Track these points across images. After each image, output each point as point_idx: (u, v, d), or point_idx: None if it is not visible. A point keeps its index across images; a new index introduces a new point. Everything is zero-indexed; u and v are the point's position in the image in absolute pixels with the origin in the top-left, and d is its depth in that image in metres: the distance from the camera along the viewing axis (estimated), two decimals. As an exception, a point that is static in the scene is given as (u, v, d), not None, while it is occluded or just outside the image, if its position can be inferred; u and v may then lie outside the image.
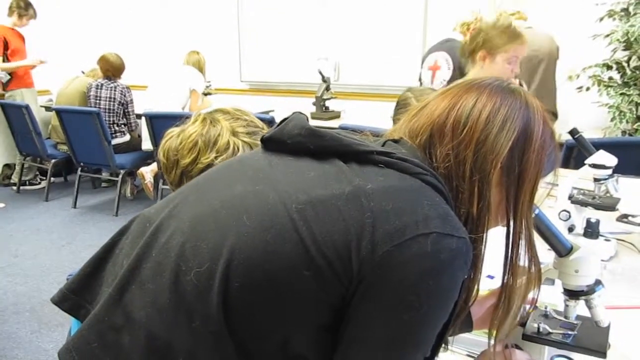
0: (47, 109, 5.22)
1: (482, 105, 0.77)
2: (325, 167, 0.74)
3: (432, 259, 0.66)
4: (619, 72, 3.45)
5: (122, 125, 4.62)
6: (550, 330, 0.98)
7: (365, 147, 0.75)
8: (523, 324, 0.99)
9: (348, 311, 0.68)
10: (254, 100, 5.03)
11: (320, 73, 4.44)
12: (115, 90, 4.53)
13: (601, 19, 3.44)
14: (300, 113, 0.82)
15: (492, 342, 0.86)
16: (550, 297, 1.10)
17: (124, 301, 0.73)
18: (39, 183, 5.20)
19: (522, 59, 3.18)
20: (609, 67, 3.43)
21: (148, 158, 4.44)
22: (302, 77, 4.91)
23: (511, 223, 0.80)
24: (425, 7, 4.39)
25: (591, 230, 1.34)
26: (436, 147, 0.77)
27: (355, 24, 4.68)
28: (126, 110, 4.61)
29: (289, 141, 0.78)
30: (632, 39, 3.22)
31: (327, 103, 4.50)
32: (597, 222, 1.36)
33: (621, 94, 3.30)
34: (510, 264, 0.81)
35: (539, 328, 0.98)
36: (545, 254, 0.95)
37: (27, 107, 4.56)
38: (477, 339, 1.07)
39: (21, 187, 5.10)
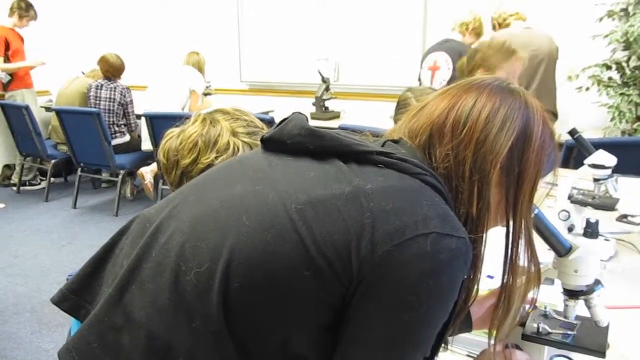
0: (47, 109, 5.22)
1: (482, 105, 0.77)
2: (325, 167, 0.74)
3: (431, 259, 0.66)
4: (618, 72, 3.45)
5: (122, 126, 4.63)
6: (550, 330, 0.98)
7: (364, 148, 0.75)
8: (522, 324, 0.99)
9: (348, 311, 0.68)
10: (254, 101, 5.04)
11: (320, 73, 4.44)
12: (115, 91, 4.53)
13: (600, 19, 3.44)
14: (300, 113, 0.82)
15: (492, 342, 0.86)
16: (550, 297, 1.10)
17: (124, 301, 0.73)
18: (39, 183, 5.20)
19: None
20: (609, 67, 3.43)
21: (148, 158, 4.44)
22: (301, 78, 4.92)
23: (511, 223, 0.80)
24: (424, 8, 4.39)
25: (591, 230, 1.34)
26: (436, 147, 0.77)
27: (355, 24, 4.68)
28: (126, 111, 4.61)
29: (288, 141, 0.78)
30: (631, 39, 3.22)
31: (327, 103, 4.50)
32: (597, 222, 1.36)
33: (621, 94, 3.30)
34: (510, 264, 0.81)
35: (538, 328, 0.98)
36: (545, 254, 0.95)
37: (27, 108, 4.56)
38: (477, 339, 1.07)
39: (21, 188, 5.10)
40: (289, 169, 0.76)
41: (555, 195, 1.56)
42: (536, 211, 0.87)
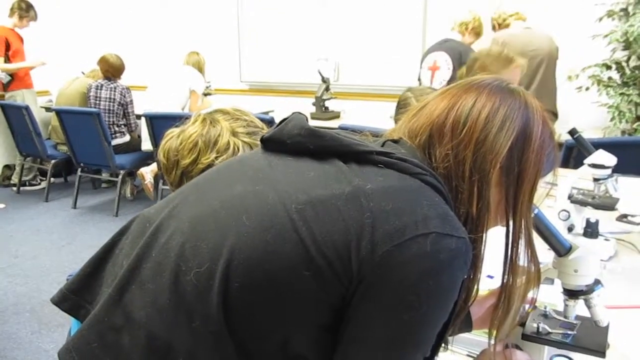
0: (47, 109, 5.23)
1: (482, 105, 0.77)
2: (325, 167, 0.74)
3: (431, 259, 0.66)
4: (618, 72, 3.45)
5: (122, 126, 4.63)
6: (550, 330, 0.98)
7: (364, 147, 0.75)
8: (522, 324, 0.99)
9: (348, 311, 0.68)
10: (254, 101, 5.04)
11: (320, 73, 4.44)
12: (115, 91, 4.54)
13: (600, 19, 3.44)
14: (300, 113, 0.82)
15: (492, 342, 0.86)
16: (550, 296, 1.10)
17: (124, 301, 0.73)
18: (39, 183, 5.20)
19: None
20: (609, 67, 3.43)
21: (148, 158, 4.44)
22: (301, 78, 4.92)
23: (510, 223, 0.80)
24: (424, 8, 4.39)
25: (591, 230, 1.34)
26: (435, 147, 0.77)
27: (355, 24, 4.68)
28: (126, 111, 4.61)
29: (288, 141, 0.78)
30: (631, 39, 3.22)
31: (327, 103, 4.50)
32: (597, 221, 1.36)
33: (620, 93, 3.30)
34: (509, 264, 0.81)
35: (538, 328, 0.98)
36: (545, 254, 0.95)
37: (27, 108, 4.56)
38: (477, 338, 1.07)
39: (21, 188, 5.10)
40: (289, 169, 0.76)
41: (555, 195, 1.56)
42: (536, 211, 0.87)
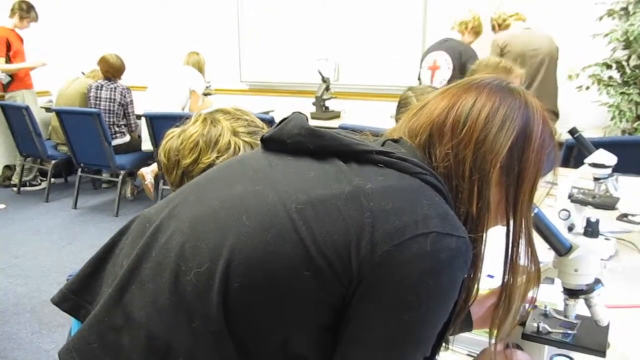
0: (47, 109, 5.23)
1: (482, 105, 0.77)
2: (325, 167, 0.74)
3: (431, 258, 0.66)
4: (618, 71, 3.45)
5: (122, 126, 4.63)
6: (550, 330, 0.98)
7: (364, 147, 0.75)
8: (523, 323, 0.99)
9: (348, 311, 0.68)
10: (254, 101, 5.04)
11: (320, 73, 4.44)
12: (115, 91, 4.54)
13: (601, 18, 3.44)
14: (300, 113, 0.82)
15: (493, 341, 0.86)
16: (550, 296, 1.10)
17: (124, 301, 0.73)
18: (40, 184, 5.21)
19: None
20: (609, 66, 3.43)
21: (148, 159, 4.44)
22: (302, 78, 4.92)
23: (511, 222, 0.80)
24: (424, 7, 4.39)
25: (591, 229, 1.34)
26: (435, 146, 0.77)
27: (355, 24, 4.68)
28: (126, 111, 4.61)
29: (288, 141, 0.78)
30: (631, 38, 3.21)
31: (327, 103, 4.50)
32: (597, 221, 1.36)
33: (621, 93, 3.30)
34: (510, 263, 0.81)
35: (538, 327, 0.98)
36: (545, 253, 0.95)
37: (27, 109, 4.56)
38: (478, 338, 1.07)
39: (21, 188, 5.10)
40: (289, 168, 0.76)
41: (555, 194, 1.56)
42: (536, 210, 0.87)
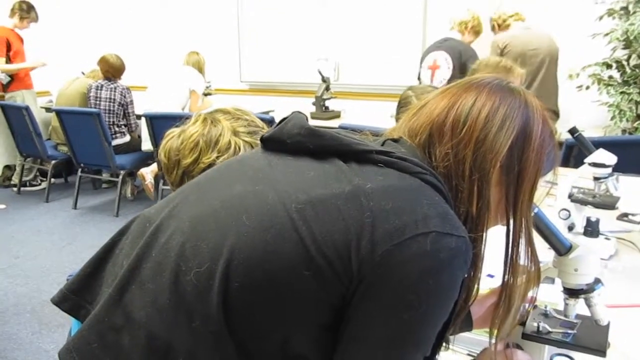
0: (47, 109, 5.23)
1: (482, 104, 0.77)
2: (325, 167, 0.74)
3: (431, 258, 0.66)
4: (618, 71, 3.45)
5: (122, 126, 4.63)
6: (550, 329, 0.98)
7: (364, 147, 0.75)
8: (523, 323, 0.99)
9: (348, 310, 0.68)
10: (254, 101, 5.04)
11: (320, 73, 4.44)
12: (115, 91, 4.54)
13: (601, 18, 3.44)
14: (300, 113, 0.82)
15: (493, 341, 0.86)
16: (550, 296, 1.10)
17: (124, 301, 0.73)
18: (40, 184, 5.21)
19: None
20: (609, 66, 3.43)
21: (148, 159, 4.44)
22: (302, 77, 4.92)
23: (511, 222, 0.80)
24: (424, 7, 4.39)
25: (591, 229, 1.34)
26: (435, 146, 0.77)
27: (355, 24, 4.68)
28: (126, 111, 4.61)
29: (288, 141, 0.78)
30: (631, 38, 3.21)
31: (327, 103, 4.50)
32: (597, 220, 1.36)
33: (621, 92, 3.30)
34: (510, 263, 0.81)
35: (538, 327, 0.98)
36: (545, 253, 0.95)
37: (27, 109, 4.56)
38: (478, 338, 1.07)
39: (22, 188, 5.10)
40: (288, 168, 0.76)
41: (555, 194, 1.56)
42: (536, 210, 0.87)
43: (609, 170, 1.61)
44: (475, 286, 0.81)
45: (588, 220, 1.39)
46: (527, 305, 0.95)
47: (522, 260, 0.82)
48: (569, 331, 0.98)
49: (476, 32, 3.78)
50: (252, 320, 0.69)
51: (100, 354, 0.73)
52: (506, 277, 0.82)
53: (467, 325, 0.98)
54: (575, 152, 2.49)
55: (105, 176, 5.14)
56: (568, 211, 1.54)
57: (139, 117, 4.53)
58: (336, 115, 4.54)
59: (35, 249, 3.76)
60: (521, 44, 3.29)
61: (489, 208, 0.76)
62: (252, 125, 1.27)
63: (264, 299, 0.68)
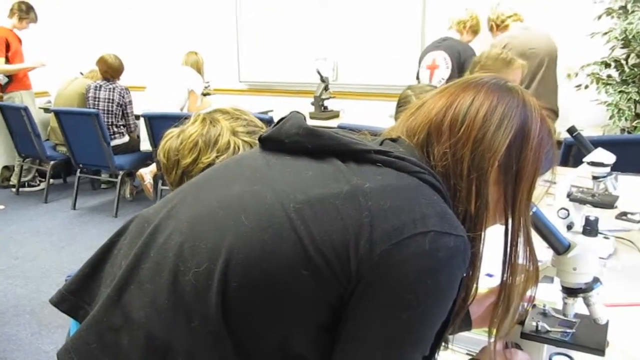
0: (46, 110, 5.22)
1: (480, 104, 0.77)
2: (323, 167, 0.74)
3: (430, 257, 0.66)
4: (617, 70, 3.45)
5: (121, 127, 4.62)
6: (549, 329, 0.98)
7: (363, 146, 0.75)
8: (522, 322, 0.99)
9: (346, 310, 0.68)
10: (253, 101, 5.03)
11: (319, 73, 4.44)
12: (113, 92, 4.53)
13: (599, 17, 3.43)
14: (298, 112, 0.82)
15: (492, 340, 0.86)
16: (549, 295, 1.10)
17: (123, 301, 0.73)
18: (38, 185, 5.20)
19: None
20: (608, 65, 3.43)
21: (147, 159, 4.44)
22: (300, 77, 4.91)
23: (509, 221, 0.80)
24: (423, 7, 4.39)
25: (590, 228, 1.34)
26: (434, 145, 0.77)
27: (354, 24, 4.68)
28: (125, 112, 4.61)
29: (286, 140, 0.78)
30: (630, 37, 3.21)
31: (326, 103, 4.50)
32: (596, 219, 1.36)
33: (620, 91, 3.30)
34: (509, 262, 0.81)
35: (537, 326, 0.98)
36: (544, 252, 0.95)
37: (25, 109, 4.56)
38: (477, 337, 1.07)
39: (20, 189, 5.10)
40: (287, 168, 0.76)
41: (554, 193, 1.56)
42: (534, 209, 0.87)
43: (608, 169, 1.61)
44: (474, 285, 0.81)
45: (587, 219, 1.39)
46: (525, 304, 0.95)
47: (521, 259, 0.82)
48: (568, 330, 0.98)
49: (474, 31, 3.78)
50: (250, 320, 0.68)
51: (99, 355, 0.72)
52: (505, 276, 0.82)
53: (466, 325, 0.98)
54: (574, 151, 2.49)
55: (104, 177, 5.13)
56: (567, 210, 1.54)
57: (137, 117, 4.53)
58: (335, 115, 4.53)
59: (34, 250, 3.76)
60: (520, 44, 3.28)
61: (487, 207, 0.76)
62: (251, 125, 1.27)
63: (262, 298, 0.68)
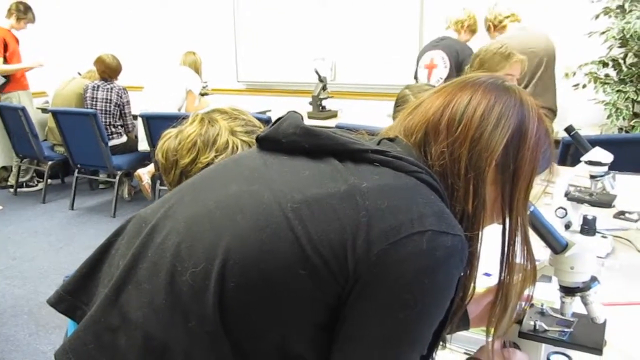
0: (44, 110, 5.21)
1: (477, 103, 0.77)
2: (321, 166, 0.74)
3: (427, 256, 0.66)
4: (615, 69, 3.45)
5: (119, 127, 4.62)
6: (547, 328, 0.98)
7: (360, 146, 0.75)
8: (519, 322, 0.99)
9: (344, 310, 0.68)
10: (251, 100, 5.03)
11: (317, 73, 4.44)
12: (111, 92, 4.53)
13: (597, 17, 3.44)
14: (295, 112, 0.82)
15: (490, 339, 0.86)
16: (547, 294, 1.10)
17: (120, 302, 0.73)
18: (36, 185, 5.19)
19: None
20: (605, 65, 3.43)
21: (145, 159, 4.44)
22: (298, 77, 4.91)
23: (507, 221, 0.80)
24: (421, 6, 4.39)
25: (588, 227, 1.35)
26: (431, 145, 0.77)
27: (352, 23, 4.68)
28: (123, 112, 4.60)
29: (284, 140, 0.78)
30: (627, 36, 3.21)
31: (324, 102, 4.50)
32: (594, 218, 1.37)
33: (617, 91, 3.30)
34: (506, 262, 0.81)
35: (535, 325, 0.98)
36: (541, 251, 0.95)
37: (23, 109, 4.55)
38: (475, 336, 1.07)
39: (18, 189, 5.09)
40: (284, 168, 0.76)
41: (552, 192, 1.56)
42: (532, 208, 0.87)
43: (606, 168, 1.61)
44: (472, 285, 0.81)
45: (585, 218, 1.39)
46: (523, 303, 0.95)
47: (519, 258, 0.82)
48: (566, 329, 0.98)
49: (472, 30, 3.79)
50: (247, 320, 0.68)
51: (96, 355, 0.72)
52: (502, 275, 0.82)
53: (464, 324, 0.98)
54: (572, 150, 2.49)
55: (102, 177, 5.12)
56: (565, 209, 1.54)
57: (135, 117, 4.53)
58: (333, 114, 4.53)
59: (32, 250, 3.75)
60: (518, 45, 3.28)
61: (484, 207, 0.76)
62: (250, 124, 1.27)
63: (260, 298, 0.68)
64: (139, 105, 4.46)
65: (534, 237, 0.85)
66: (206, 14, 5.38)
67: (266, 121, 3.19)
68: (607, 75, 3.46)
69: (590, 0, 3.47)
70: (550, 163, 0.85)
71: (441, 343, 0.80)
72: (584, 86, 3.49)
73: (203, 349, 0.68)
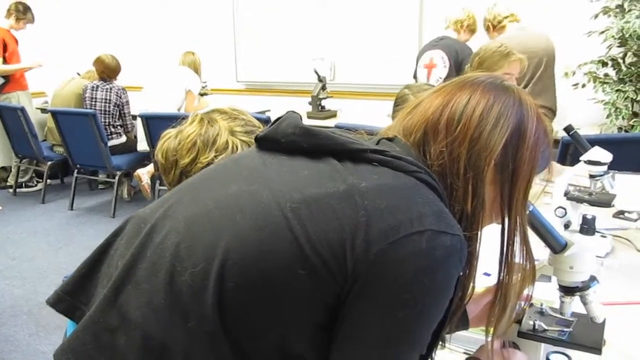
0: (43, 110, 5.21)
1: (476, 103, 0.77)
2: (320, 166, 0.74)
3: (426, 256, 0.66)
4: (614, 69, 3.45)
5: (118, 127, 4.62)
6: (546, 327, 0.98)
7: (359, 146, 0.75)
8: (519, 321, 0.99)
9: (343, 309, 0.68)
10: (251, 100, 5.03)
11: (316, 72, 4.44)
12: (110, 92, 4.53)
13: (596, 16, 3.44)
14: (294, 112, 0.82)
15: (489, 339, 0.86)
16: (546, 294, 1.10)
17: (119, 302, 0.73)
18: (36, 185, 5.19)
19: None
20: (605, 64, 3.44)
21: (144, 159, 4.43)
22: (298, 77, 4.91)
23: (506, 220, 0.80)
24: (420, 6, 4.39)
25: (587, 227, 1.35)
26: (430, 144, 0.77)
27: (351, 23, 4.68)
28: (122, 112, 4.60)
29: (282, 140, 0.78)
30: (627, 36, 3.22)
31: (323, 102, 4.50)
32: (593, 218, 1.37)
33: (617, 90, 3.30)
34: (505, 261, 0.81)
35: (534, 325, 0.98)
36: (540, 251, 0.95)
37: (22, 110, 4.55)
38: (474, 336, 1.07)
39: (17, 190, 5.09)
40: (283, 167, 0.76)
41: (551, 192, 1.56)
42: (531, 208, 0.88)
43: (605, 168, 1.61)
44: (471, 284, 0.81)
45: (584, 217, 1.39)
46: (522, 303, 0.95)
47: (518, 258, 0.82)
48: (565, 329, 0.98)
49: (471, 30, 3.79)
50: (247, 320, 0.68)
51: (95, 355, 0.72)
52: (502, 275, 0.82)
53: (463, 324, 0.98)
54: (571, 150, 2.49)
55: (101, 177, 5.12)
56: (564, 209, 1.54)
57: (135, 117, 4.52)
58: (332, 114, 4.53)
59: (31, 251, 3.75)
60: (518, 45, 3.28)
61: (483, 206, 0.76)
62: (249, 124, 1.27)
63: (259, 298, 0.68)
64: (138, 105, 4.46)
65: (533, 237, 0.85)
66: (206, 14, 5.38)
67: (265, 121, 3.19)
68: (606, 75, 3.46)
69: (589, -1, 3.47)
70: (549, 162, 0.85)
71: (440, 343, 0.80)
72: (584, 86, 3.49)
73: (202, 349, 0.68)
